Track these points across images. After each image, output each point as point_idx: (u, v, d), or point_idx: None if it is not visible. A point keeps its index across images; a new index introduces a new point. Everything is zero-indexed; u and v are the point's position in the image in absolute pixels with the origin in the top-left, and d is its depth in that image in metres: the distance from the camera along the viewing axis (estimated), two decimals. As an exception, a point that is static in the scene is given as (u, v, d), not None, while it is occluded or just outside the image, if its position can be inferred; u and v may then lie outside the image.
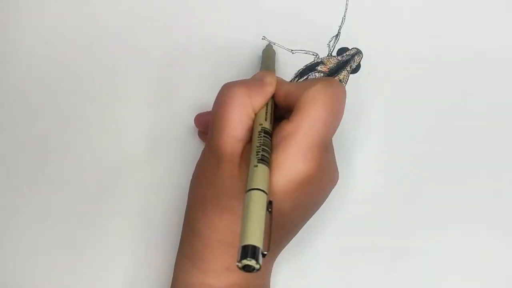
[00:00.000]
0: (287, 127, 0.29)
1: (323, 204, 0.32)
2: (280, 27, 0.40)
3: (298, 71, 0.40)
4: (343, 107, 0.31)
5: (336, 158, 0.33)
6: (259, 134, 0.29)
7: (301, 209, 0.31)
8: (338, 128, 0.32)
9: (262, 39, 0.40)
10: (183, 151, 0.39)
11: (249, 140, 0.30)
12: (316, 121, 0.29)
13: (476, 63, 0.39)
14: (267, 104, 0.32)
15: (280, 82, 0.32)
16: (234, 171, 0.29)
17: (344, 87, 0.31)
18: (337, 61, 0.40)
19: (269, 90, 0.32)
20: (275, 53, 0.39)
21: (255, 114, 0.31)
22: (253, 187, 0.26)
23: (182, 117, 0.39)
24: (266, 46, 0.39)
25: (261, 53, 0.39)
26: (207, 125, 0.32)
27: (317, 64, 0.40)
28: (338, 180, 0.32)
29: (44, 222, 0.38)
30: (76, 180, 0.39)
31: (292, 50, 0.40)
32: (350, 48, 0.40)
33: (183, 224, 0.32)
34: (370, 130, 0.38)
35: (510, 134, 0.38)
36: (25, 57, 0.41)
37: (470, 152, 0.38)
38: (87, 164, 0.39)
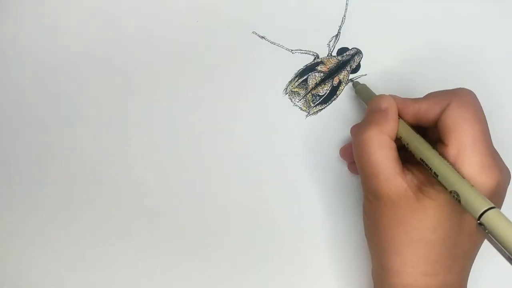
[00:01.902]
0: (450, 152, 0.29)
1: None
2: (280, 27, 0.40)
3: (298, 71, 0.40)
4: (481, 107, 0.31)
5: None
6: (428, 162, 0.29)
7: None
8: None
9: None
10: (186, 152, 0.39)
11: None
12: (476, 136, 0.29)
13: (476, 63, 0.39)
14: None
15: (401, 101, 0.32)
16: (411, 203, 0.29)
17: (470, 90, 0.31)
18: (337, 61, 0.40)
19: (393, 113, 0.31)
20: (365, 85, 0.38)
21: (397, 138, 0.31)
22: (487, 208, 0.26)
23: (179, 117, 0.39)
24: (356, 87, 0.38)
25: (354, 93, 0.39)
26: (351, 157, 0.34)
27: (317, 64, 0.40)
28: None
29: (46, 222, 0.38)
30: (77, 180, 0.39)
31: (292, 50, 0.40)
32: (350, 48, 0.40)
33: (373, 270, 0.33)
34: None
35: (510, 135, 0.38)
36: (27, 57, 0.41)
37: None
38: (90, 164, 0.39)
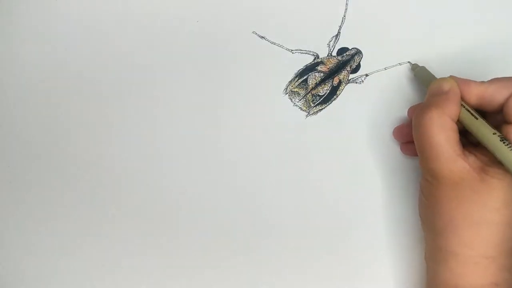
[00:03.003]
0: None
1: None
2: (280, 27, 0.40)
3: (298, 71, 0.40)
4: None
5: None
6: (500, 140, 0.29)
7: None
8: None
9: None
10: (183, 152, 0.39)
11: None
12: None
13: (476, 63, 0.39)
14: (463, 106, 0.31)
15: (464, 83, 0.32)
16: (475, 184, 0.29)
17: None
18: (337, 61, 0.40)
19: (455, 96, 0.31)
20: (424, 67, 0.38)
21: (458, 121, 0.31)
22: None
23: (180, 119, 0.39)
24: (416, 69, 0.38)
25: (413, 75, 0.38)
26: (407, 137, 0.35)
27: (317, 64, 0.40)
28: None
29: (49, 222, 0.38)
30: (78, 180, 0.39)
31: (292, 50, 0.40)
32: (350, 48, 0.40)
33: (427, 252, 0.32)
34: (368, 129, 0.38)
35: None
36: (27, 56, 0.41)
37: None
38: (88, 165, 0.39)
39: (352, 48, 0.40)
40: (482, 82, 0.32)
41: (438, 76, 0.35)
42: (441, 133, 0.30)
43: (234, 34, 0.40)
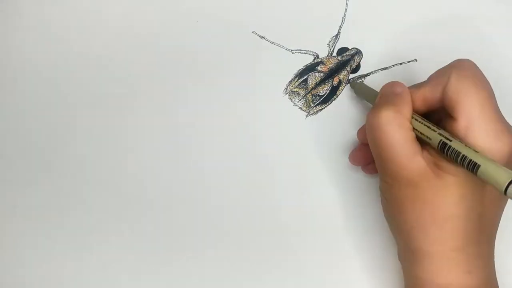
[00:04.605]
0: (461, 125, 0.29)
1: None
2: (280, 27, 0.40)
3: (298, 71, 0.40)
4: (483, 74, 0.31)
5: None
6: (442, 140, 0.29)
7: None
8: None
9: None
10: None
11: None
12: (482, 103, 0.29)
13: (476, 64, 0.39)
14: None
15: (411, 90, 0.32)
16: (433, 182, 0.29)
17: (468, 59, 0.31)
18: (337, 61, 0.40)
19: (407, 97, 0.31)
20: (363, 82, 0.39)
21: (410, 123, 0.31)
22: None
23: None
24: (355, 86, 0.38)
25: (354, 94, 0.39)
26: (364, 161, 0.35)
27: (317, 64, 0.40)
28: None
29: (48, 222, 0.38)
30: (77, 180, 0.39)
31: (292, 50, 0.40)
32: (350, 48, 0.40)
33: (399, 252, 0.33)
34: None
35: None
36: (27, 57, 0.41)
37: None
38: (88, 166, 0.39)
39: (352, 48, 0.40)
40: (421, 84, 0.32)
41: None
42: (399, 133, 0.30)
43: (234, 34, 0.40)
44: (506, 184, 0.25)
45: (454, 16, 0.40)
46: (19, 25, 0.42)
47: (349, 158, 0.37)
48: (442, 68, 0.31)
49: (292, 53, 0.40)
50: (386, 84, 0.33)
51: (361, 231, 0.37)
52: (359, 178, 0.38)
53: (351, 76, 0.39)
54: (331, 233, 0.37)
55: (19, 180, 0.39)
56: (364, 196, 0.37)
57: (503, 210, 0.32)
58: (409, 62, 0.39)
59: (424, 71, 0.39)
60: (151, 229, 0.38)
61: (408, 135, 0.30)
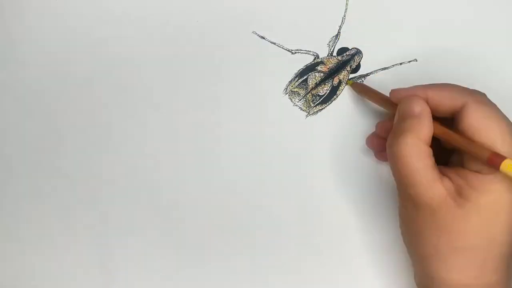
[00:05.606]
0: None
1: None
2: (280, 27, 0.40)
3: (298, 71, 0.40)
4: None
5: None
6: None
7: None
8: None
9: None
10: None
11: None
12: (504, 130, 0.29)
13: (476, 63, 0.39)
14: None
15: (421, 91, 0.31)
16: (453, 210, 0.29)
17: (485, 94, 0.31)
18: (337, 61, 0.40)
19: (427, 117, 0.30)
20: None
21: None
22: None
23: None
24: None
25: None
26: (379, 147, 0.35)
27: (317, 64, 0.40)
28: None
29: (49, 222, 0.38)
30: (78, 180, 0.39)
31: (292, 50, 0.40)
32: (350, 48, 0.40)
33: (416, 276, 0.32)
34: (368, 129, 0.38)
35: None
36: (32, 56, 0.41)
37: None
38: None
39: (352, 48, 0.40)
40: (429, 86, 0.31)
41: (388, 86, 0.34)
42: (419, 161, 0.29)
43: (234, 34, 0.40)
44: None
45: (454, 16, 0.40)
46: (19, 25, 0.42)
47: (366, 140, 0.37)
48: (458, 88, 0.31)
49: (292, 53, 0.40)
50: (404, 101, 0.32)
51: (363, 230, 0.37)
52: (359, 178, 0.38)
53: (351, 76, 0.39)
54: (332, 232, 0.37)
55: (19, 180, 0.39)
56: (364, 196, 0.37)
57: None
58: (409, 62, 0.39)
59: (424, 71, 0.39)
60: (151, 229, 0.38)
61: (428, 163, 0.30)
